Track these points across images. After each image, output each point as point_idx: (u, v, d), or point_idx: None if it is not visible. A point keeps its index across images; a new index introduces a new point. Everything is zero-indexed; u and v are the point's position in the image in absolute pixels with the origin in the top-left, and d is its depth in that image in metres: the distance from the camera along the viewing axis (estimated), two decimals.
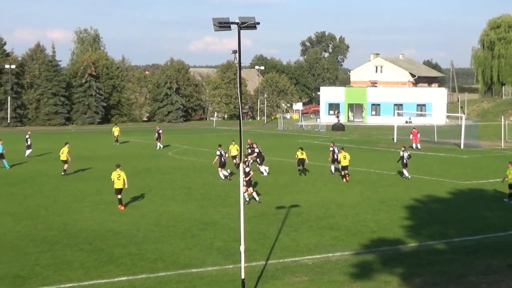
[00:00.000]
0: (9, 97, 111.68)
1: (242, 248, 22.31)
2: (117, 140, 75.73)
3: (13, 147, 71.59)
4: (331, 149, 51.21)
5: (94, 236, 29.83)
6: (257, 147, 51.66)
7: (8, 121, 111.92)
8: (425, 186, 44.23)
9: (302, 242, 28.76)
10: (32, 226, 32.05)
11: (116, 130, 77.15)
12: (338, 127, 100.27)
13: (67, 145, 51.42)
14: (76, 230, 31.07)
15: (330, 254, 26.83)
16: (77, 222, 32.91)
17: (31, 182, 46.35)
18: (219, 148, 48.66)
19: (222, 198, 39.38)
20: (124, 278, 23.60)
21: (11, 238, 29.59)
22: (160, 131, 71.62)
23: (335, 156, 50.26)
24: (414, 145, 70.16)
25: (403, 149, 49.31)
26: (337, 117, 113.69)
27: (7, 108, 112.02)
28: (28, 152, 62.20)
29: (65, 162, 50.12)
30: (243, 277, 22.07)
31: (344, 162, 47.26)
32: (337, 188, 43.77)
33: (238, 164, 40.93)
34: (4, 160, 54.76)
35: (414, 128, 74.03)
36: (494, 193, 41.68)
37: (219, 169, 47.70)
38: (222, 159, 47.83)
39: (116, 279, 23.45)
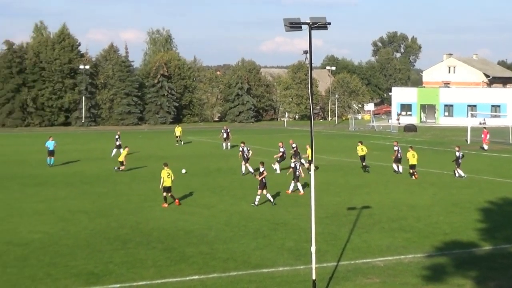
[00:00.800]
0: (83, 97, 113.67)
1: (313, 248, 22.25)
2: (180, 140, 76.23)
3: (87, 146, 73.06)
4: (395, 148, 51.23)
5: (166, 235, 30.12)
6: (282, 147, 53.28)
7: (83, 121, 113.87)
8: (499, 188, 43.47)
9: (373, 244, 28.56)
10: (105, 224, 32.52)
11: (178, 130, 77.73)
12: (410, 128, 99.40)
13: (126, 149, 53.39)
14: (148, 229, 31.41)
15: (402, 256, 26.57)
16: (150, 221, 33.26)
17: (104, 181, 47.04)
18: (242, 145, 51.49)
19: (292, 199, 39.35)
20: (196, 277, 23.75)
21: (85, 235, 30.08)
22: (228, 131, 72.08)
23: (399, 155, 50.31)
24: (485, 146, 69.34)
25: (457, 149, 49.05)
26: (398, 119, 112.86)
27: (82, 108, 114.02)
28: (114, 151, 62.80)
29: (122, 163, 51.51)
30: (314, 277, 22.01)
31: (413, 161, 47.99)
32: (409, 189, 43.31)
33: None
34: (52, 157, 55.62)
35: (484, 128, 73.11)
36: None
37: (242, 163, 50.65)
38: (245, 155, 50.65)
39: (188, 278, 23.62)
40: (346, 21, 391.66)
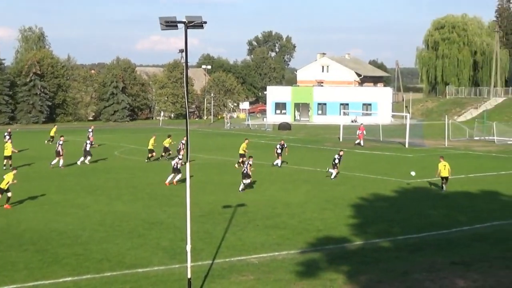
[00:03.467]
0: None
1: (188, 247, 22.25)
2: (52, 139, 75.17)
3: None
4: (278, 146, 54.51)
5: (38, 236, 29.48)
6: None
7: None
8: (370, 185, 44.60)
9: (248, 241, 28.80)
10: None
11: (53, 130, 77.49)
12: (284, 126, 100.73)
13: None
14: (20, 230, 30.66)
15: (277, 253, 26.92)
16: (21, 222, 32.47)
17: None
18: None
19: (168, 198, 39.23)
20: (69, 278, 23.37)
21: None
22: (91, 129, 72.56)
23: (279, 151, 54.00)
24: (361, 142, 71.57)
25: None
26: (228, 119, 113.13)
27: None
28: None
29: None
30: (189, 276, 22.01)
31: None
32: (283, 187, 43.87)
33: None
34: None
35: (362, 124, 75.71)
36: (437, 191, 42.26)
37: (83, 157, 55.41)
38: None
39: (61, 280, 23.21)
40: (223, 20, 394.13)
